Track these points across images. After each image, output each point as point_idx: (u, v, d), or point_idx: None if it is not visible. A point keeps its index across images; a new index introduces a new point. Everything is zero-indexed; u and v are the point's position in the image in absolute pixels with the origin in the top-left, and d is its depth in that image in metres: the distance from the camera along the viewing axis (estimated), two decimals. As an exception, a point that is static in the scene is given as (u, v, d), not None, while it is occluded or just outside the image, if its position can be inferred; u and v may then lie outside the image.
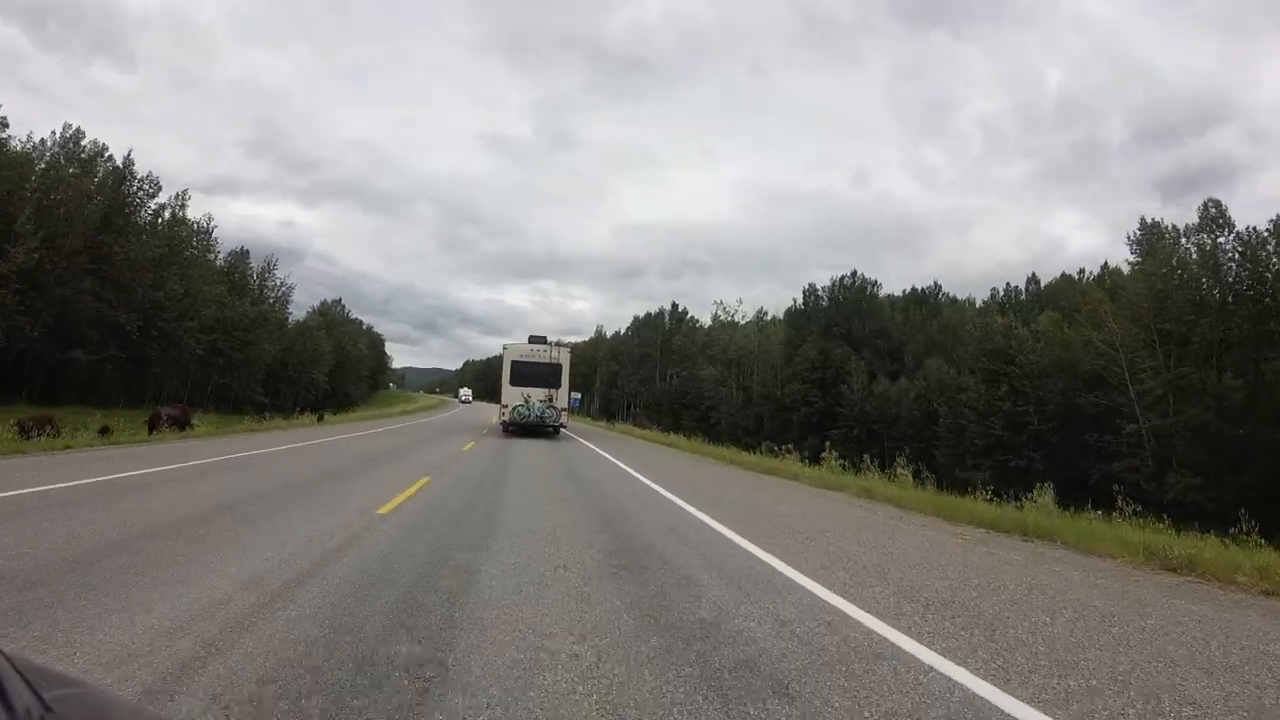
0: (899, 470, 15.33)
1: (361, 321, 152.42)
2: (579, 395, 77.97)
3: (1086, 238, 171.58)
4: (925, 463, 49.43)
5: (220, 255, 72.29)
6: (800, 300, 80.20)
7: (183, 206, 58.49)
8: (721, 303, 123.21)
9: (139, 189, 51.05)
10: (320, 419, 37.26)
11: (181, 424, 21.90)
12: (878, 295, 76.85)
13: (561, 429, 29.05)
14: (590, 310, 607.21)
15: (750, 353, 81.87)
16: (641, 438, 37.78)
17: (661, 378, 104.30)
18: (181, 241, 57.77)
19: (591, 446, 25.16)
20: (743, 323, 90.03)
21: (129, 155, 50.53)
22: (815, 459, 22.89)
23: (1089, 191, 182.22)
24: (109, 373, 49.08)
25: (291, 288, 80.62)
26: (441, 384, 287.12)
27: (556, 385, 27.57)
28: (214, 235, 70.86)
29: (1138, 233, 50.09)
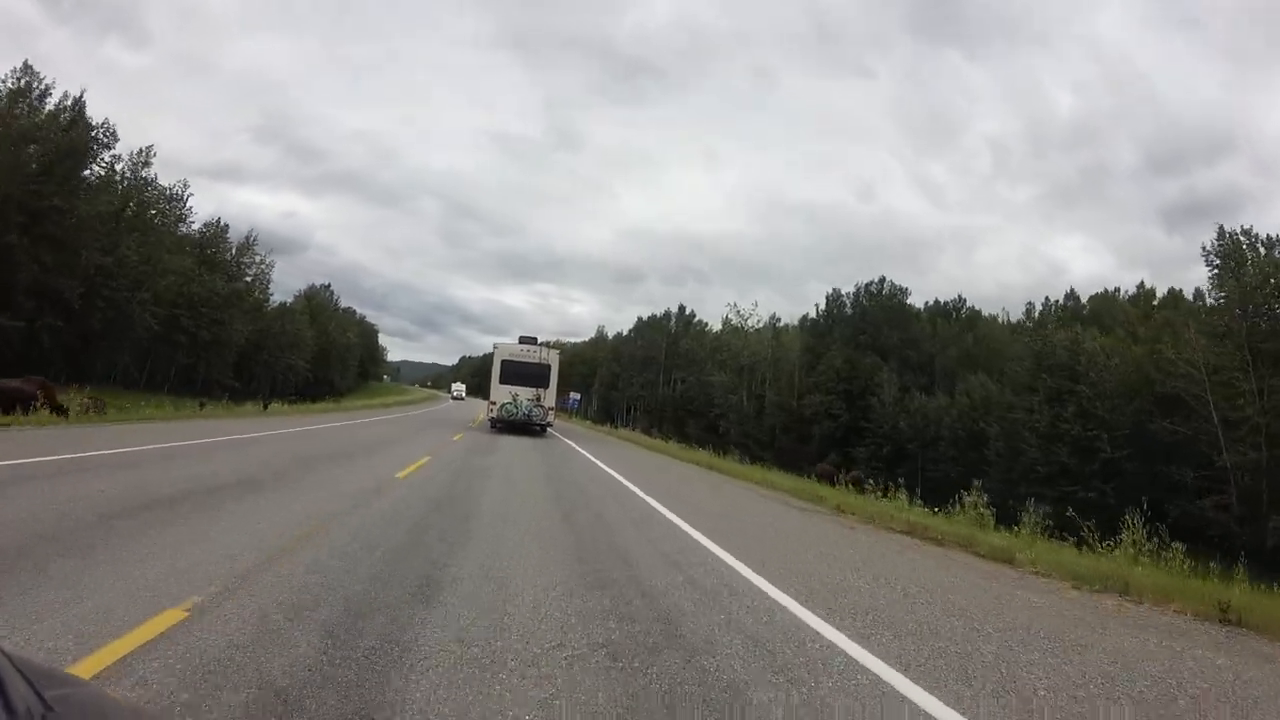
0: (976, 506, 12.59)
1: (355, 310, 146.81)
2: (579, 396, 71.63)
3: (1091, 262, 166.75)
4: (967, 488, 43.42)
5: (194, 226, 66.10)
6: (822, 305, 73.99)
7: (145, 164, 52.03)
8: (735, 305, 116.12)
9: (91, 138, 44.48)
10: (265, 408, 30.96)
11: (51, 408, 15.53)
12: (908, 304, 70.65)
13: (548, 428, 29.26)
14: (589, 314, 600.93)
15: (764, 360, 75.70)
16: (650, 448, 31.82)
17: (666, 382, 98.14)
18: (140, 203, 51.37)
19: (588, 456, 19.08)
20: (757, 327, 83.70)
21: (80, 97, 44.15)
22: (834, 478, 21.68)
23: (1094, 216, 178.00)
24: (46, 346, 42.65)
25: (271, 265, 74.21)
26: (438, 379, 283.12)
27: (545, 385, 27.98)
28: (188, 204, 64.63)
29: (1215, 243, 43.95)
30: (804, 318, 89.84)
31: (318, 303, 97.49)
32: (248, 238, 71.07)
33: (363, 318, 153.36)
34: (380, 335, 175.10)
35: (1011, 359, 58.06)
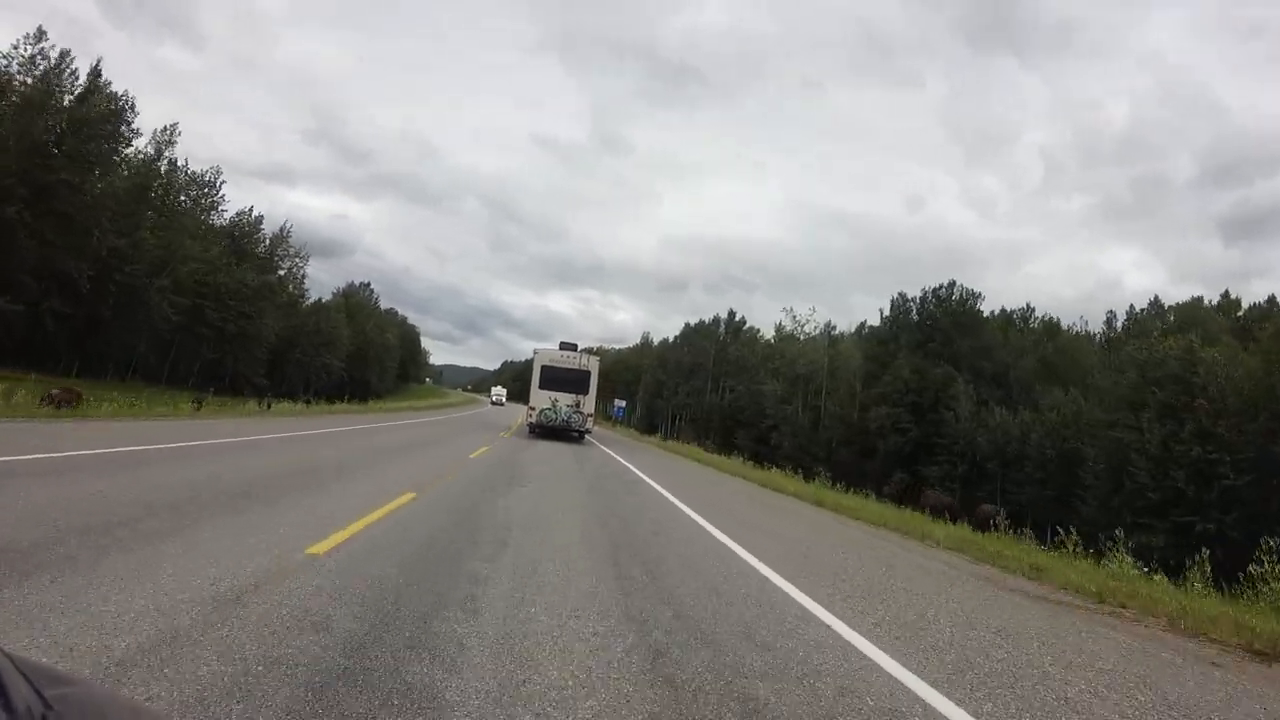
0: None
1: (396, 311, 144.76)
2: (624, 403, 67.15)
3: (1143, 277, 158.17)
4: (1061, 516, 37.77)
5: (226, 216, 63.41)
6: (886, 310, 68.45)
7: (170, 143, 49.11)
8: (790, 310, 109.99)
9: (110, 110, 41.43)
10: (268, 408, 27.11)
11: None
12: (980, 310, 64.76)
13: (586, 434, 28.99)
14: (632, 321, 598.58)
15: (820, 369, 70.46)
16: (708, 464, 27.46)
17: (713, 390, 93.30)
18: (164, 185, 48.44)
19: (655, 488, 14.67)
20: (813, 335, 78.28)
21: (97, 65, 41.18)
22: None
23: (1147, 229, 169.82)
24: (50, 330, 39.63)
25: (305, 259, 71.19)
26: (480, 383, 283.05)
27: (584, 392, 27.89)
28: (220, 192, 61.94)
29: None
30: (861, 325, 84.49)
31: (356, 301, 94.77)
32: (282, 229, 68.27)
33: (404, 319, 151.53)
34: (423, 339, 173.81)
35: (1097, 371, 52.27)
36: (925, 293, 66.20)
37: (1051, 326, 64.94)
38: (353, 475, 9.63)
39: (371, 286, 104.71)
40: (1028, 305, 71.16)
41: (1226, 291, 64.62)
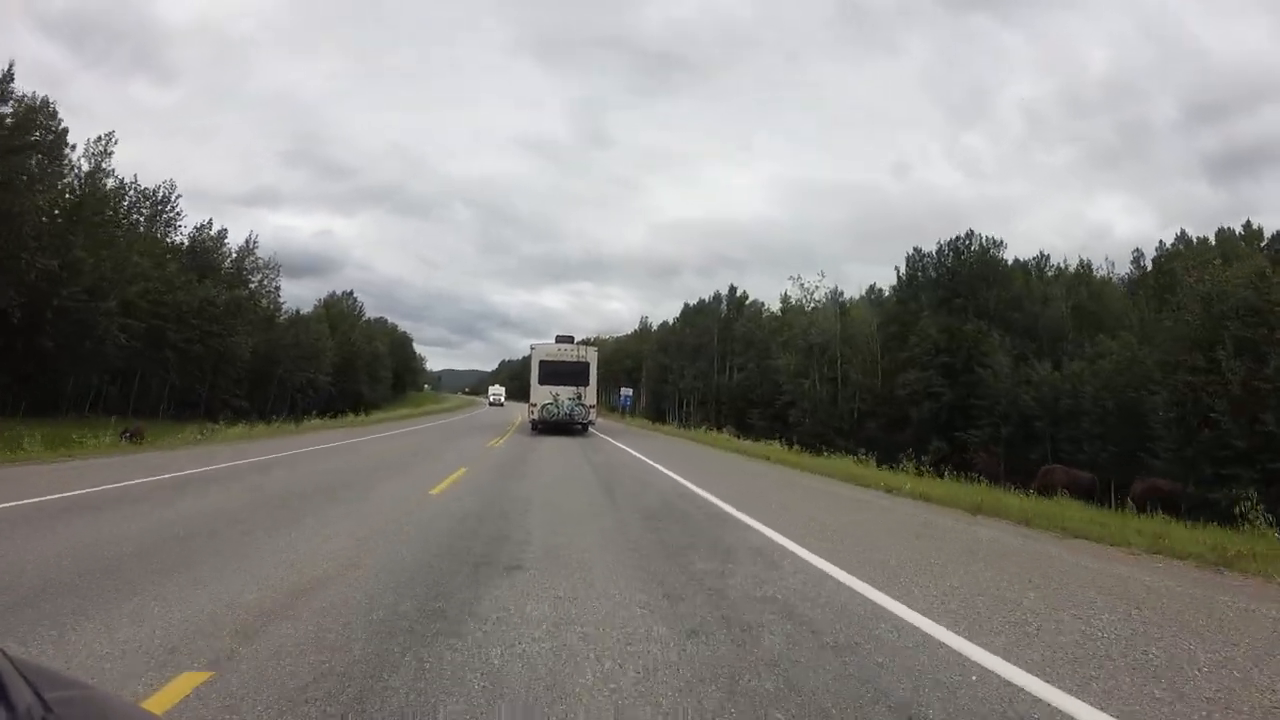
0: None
1: (386, 320, 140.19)
2: (630, 392, 62.70)
3: (1134, 221, 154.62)
4: (1128, 473, 33.48)
5: (184, 231, 58.79)
6: (903, 270, 63.79)
7: (105, 154, 44.32)
8: (798, 277, 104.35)
9: (25, 119, 36.64)
10: (202, 433, 22.48)
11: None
12: (1004, 259, 60.02)
13: (590, 426, 28.48)
14: (626, 310, 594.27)
15: (834, 337, 65.94)
16: (744, 454, 23.16)
17: (720, 371, 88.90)
18: (105, 200, 43.77)
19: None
20: (821, 303, 73.50)
21: (10, 70, 36.36)
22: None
23: (1135, 174, 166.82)
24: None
25: (278, 268, 66.54)
26: (479, 385, 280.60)
27: (585, 383, 27.37)
28: (176, 206, 57.31)
29: None
30: (870, 289, 79.80)
31: (338, 312, 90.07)
32: (248, 242, 63.53)
33: (394, 326, 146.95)
34: (419, 345, 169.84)
35: (1142, 313, 47.94)
36: (941, 246, 61.56)
37: (1084, 271, 60.17)
38: (146, 586, 5.15)
39: (355, 295, 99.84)
40: (1041, 253, 66.04)
41: (1248, 221, 59.70)
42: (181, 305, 49.66)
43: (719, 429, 48.91)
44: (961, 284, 57.07)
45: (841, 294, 74.42)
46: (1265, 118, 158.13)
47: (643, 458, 17.75)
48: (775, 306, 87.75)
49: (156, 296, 47.29)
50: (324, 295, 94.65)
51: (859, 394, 60.82)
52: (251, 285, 62.96)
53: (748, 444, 27.05)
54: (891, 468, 19.62)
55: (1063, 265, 63.45)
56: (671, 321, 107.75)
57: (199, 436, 20.76)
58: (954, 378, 51.00)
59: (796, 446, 27.24)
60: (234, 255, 62.02)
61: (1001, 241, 59.40)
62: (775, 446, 24.82)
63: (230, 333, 54.91)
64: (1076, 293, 56.92)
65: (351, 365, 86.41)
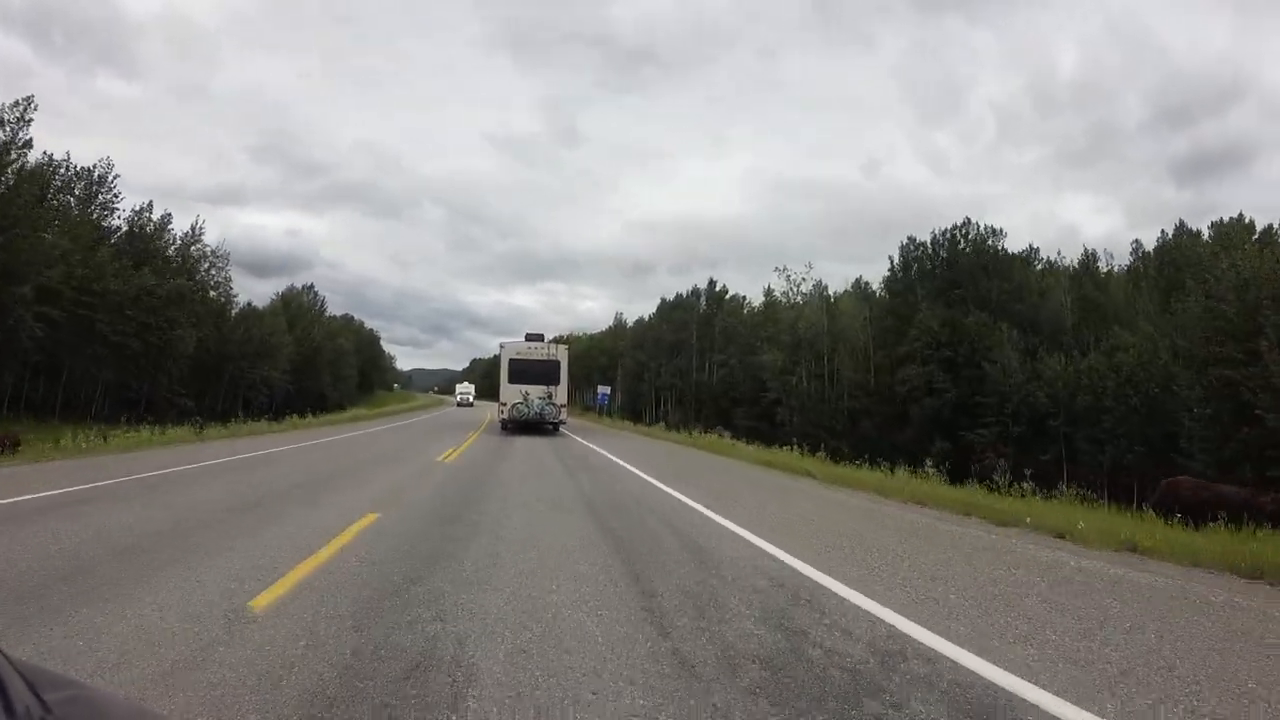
0: None
1: (353, 317, 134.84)
2: (608, 390, 58.68)
3: (1104, 221, 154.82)
4: (1155, 471, 30.46)
5: (122, 216, 53.74)
6: (896, 260, 60.45)
7: (23, 122, 39.16)
8: (785, 268, 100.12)
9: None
10: (104, 438, 18.05)
11: None
12: (1005, 249, 56.90)
13: (560, 425, 27.84)
14: (599, 309, 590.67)
15: (822, 330, 62.54)
16: (780, 469, 19.20)
17: (700, 368, 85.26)
18: (19, 174, 38.79)
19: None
20: (807, 294, 69.92)
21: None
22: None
23: (1104, 175, 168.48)
24: None
25: (227, 257, 61.49)
26: (450, 383, 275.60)
27: (555, 382, 26.96)
28: (114, 188, 52.28)
29: None
30: (857, 281, 76.37)
31: (297, 306, 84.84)
32: (193, 228, 58.35)
33: (361, 324, 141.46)
34: (389, 344, 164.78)
35: (1151, 304, 45.03)
36: (936, 236, 58.31)
37: (1089, 261, 57.11)
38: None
39: (316, 290, 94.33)
40: (1031, 246, 62.81)
41: (1240, 213, 57.11)
42: (115, 294, 44.74)
43: (705, 429, 45.21)
44: (962, 274, 53.98)
45: (826, 287, 71.08)
46: (1230, 120, 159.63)
47: (661, 485, 13.11)
48: (756, 302, 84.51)
49: (83, 283, 42.39)
50: (282, 290, 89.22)
51: (850, 391, 57.40)
52: (198, 275, 57.78)
53: (769, 453, 22.96)
54: (915, 472, 16.04)
55: (1057, 258, 60.59)
56: (647, 318, 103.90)
57: (85, 446, 16.41)
58: (956, 373, 47.78)
59: (821, 454, 23.39)
60: (178, 243, 56.85)
61: (1001, 230, 56.41)
62: (805, 457, 20.80)
63: (172, 325, 49.99)
64: (1080, 284, 54.00)
65: (312, 363, 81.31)
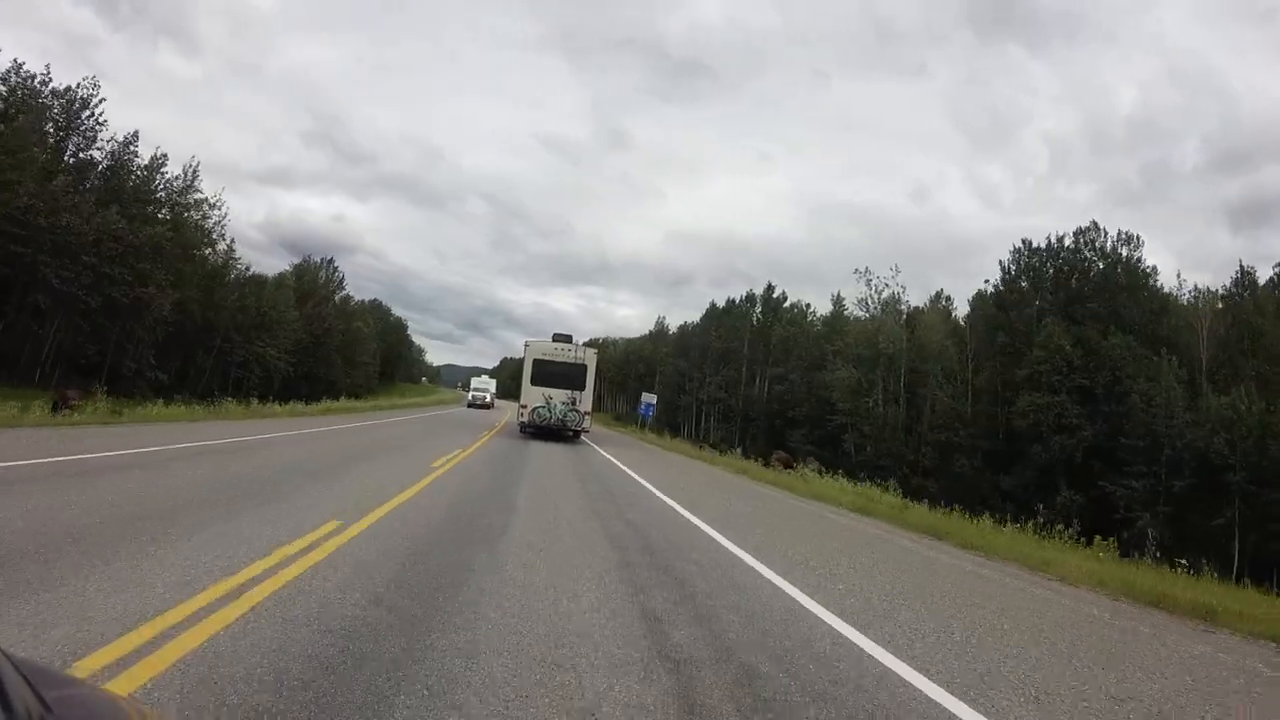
0: None
1: (381, 302, 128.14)
2: (653, 400, 49.47)
3: (1153, 263, 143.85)
4: None
5: (104, 149, 46.12)
6: (1006, 265, 50.37)
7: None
8: (865, 270, 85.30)
9: None
10: None
11: None
12: (1142, 261, 46.64)
13: (582, 434, 26.15)
14: (636, 317, 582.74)
15: (902, 348, 52.97)
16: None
17: (749, 382, 75.92)
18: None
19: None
20: (885, 302, 60.11)
21: None
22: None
23: (1155, 216, 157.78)
24: None
25: (222, 208, 53.26)
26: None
27: (581, 387, 25.47)
28: (98, 112, 44.78)
29: None
30: (937, 294, 66.34)
31: (310, 280, 77.05)
32: (186, 170, 50.41)
33: (388, 310, 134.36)
34: (421, 336, 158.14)
35: None
36: (1051, 241, 48.18)
37: (1241, 281, 46.70)
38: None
39: (336, 264, 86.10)
40: (1153, 266, 52.70)
41: None
42: (65, 233, 36.83)
43: (757, 455, 36.06)
44: (1092, 288, 44.02)
45: (907, 300, 61.17)
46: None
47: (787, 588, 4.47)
48: (824, 309, 74.90)
49: (24, 215, 34.54)
50: (352, 290, 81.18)
51: (943, 420, 47.63)
52: (187, 228, 49.67)
53: (866, 496, 13.78)
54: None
55: (1198, 286, 50.31)
56: (690, 325, 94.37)
57: None
58: (1094, 406, 37.92)
59: (896, 489, 14.03)
60: (165, 187, 48.97)
61: (1138, 238, 46.19)
62: (909, 506, 11.54)
63: (143, 280, 42.04)
64: (1230, 312, 43.71)
65: (321, 344, 73.37)
